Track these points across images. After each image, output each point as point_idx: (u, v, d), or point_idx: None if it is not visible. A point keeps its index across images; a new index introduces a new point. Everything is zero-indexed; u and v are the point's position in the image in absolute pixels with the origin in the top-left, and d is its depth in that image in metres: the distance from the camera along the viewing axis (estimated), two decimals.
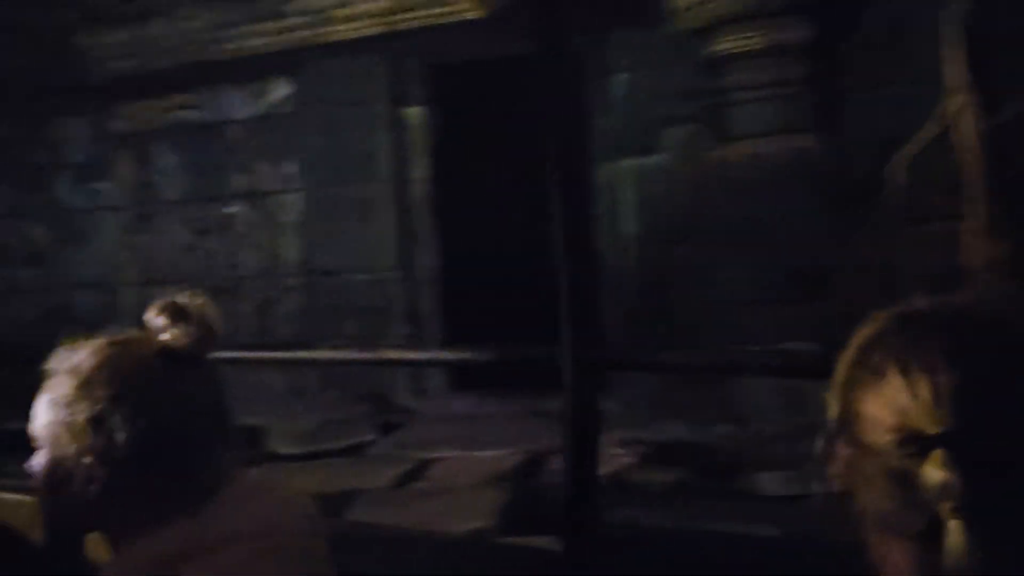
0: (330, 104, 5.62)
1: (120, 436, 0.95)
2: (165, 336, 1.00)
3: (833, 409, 0.72)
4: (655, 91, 4.37)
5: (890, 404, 0.65)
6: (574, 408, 1.62)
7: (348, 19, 5.19)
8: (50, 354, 1.03)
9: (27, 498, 1.52)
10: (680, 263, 4.43)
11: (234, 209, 5.95)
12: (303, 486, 3.89)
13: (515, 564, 2.00)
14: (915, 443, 0.63)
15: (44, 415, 1.01)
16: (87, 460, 0.96)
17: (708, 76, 3.95)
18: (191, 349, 1.00)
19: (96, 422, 0.96)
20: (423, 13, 5.07)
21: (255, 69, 5.73)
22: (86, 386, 0.97)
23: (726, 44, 3.71)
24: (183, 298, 1.04)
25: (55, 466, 0.99)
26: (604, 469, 2.08)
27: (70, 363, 1.00)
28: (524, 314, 4.20)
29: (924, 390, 0.63)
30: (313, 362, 3.47)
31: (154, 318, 1.02)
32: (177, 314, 1.01)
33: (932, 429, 0.62)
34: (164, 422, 0.97)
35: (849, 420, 0.70)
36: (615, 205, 4.90)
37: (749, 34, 3.60)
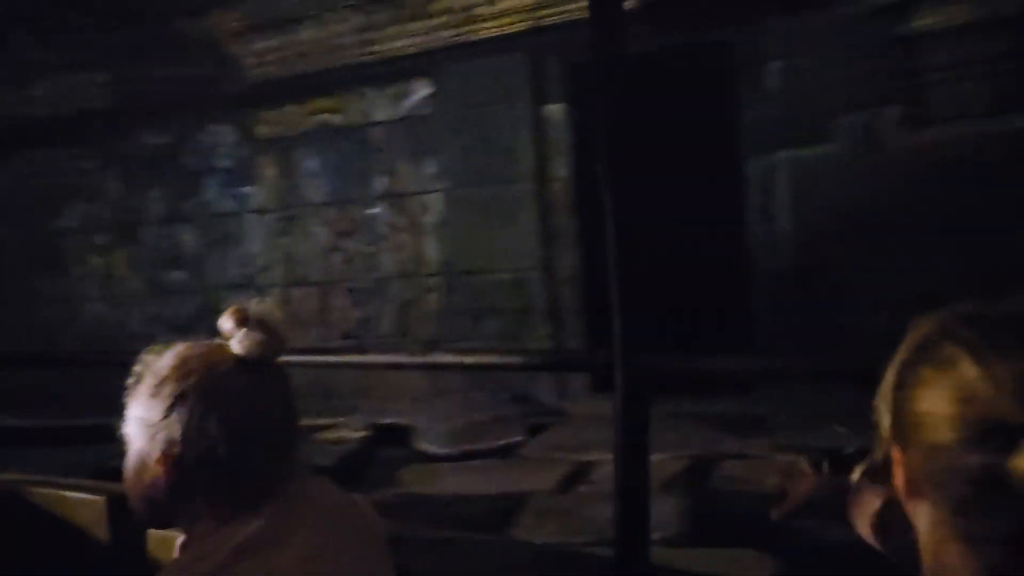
0: (470, 104, 5.60)
1: (189, 436, 1.00)
2: (235, 342, 1.03)
3: (884, 416, 0.71)
4: (821, 78, 4.15)
5: (962, 397, 0.62)
6: (624, 416, 1.53)
7: (493, 17, 5.16)
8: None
9: (93, 497, 1.57)
10: (847, 261, 4.19)
11: (375, 210, 6.01)
12: (460, 487, 3.86)
13: None
14: (1000, 435, 0.58)
15: (129, 414, 1.06)
16: (159, 458, 1.01)
17: (898, 56, 3.68)
18: (259, 355, 1.03)
19: (167, 422, 1.01)
20: (568, 7, 4.99)
21: (397, 71, 5.78)
22: (161, 387, 1.03)
23: (926, 20, 3.44)
24: (253, 305, 1.07)
25: (135, 463, 1.04)
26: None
27: (153, 366, 1.06)
28: (669, 313, 4.07)
29: (1007, 378, 0.60)
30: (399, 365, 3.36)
31: (225, 324, 1.06)
32: (246, 321, 1.04)
33: (1019, 418, 0.58)
34: (231, 423, 1.00)
35: (905, 424, 0.68)
36: (768, 200, 4.70)
37: (952, 8, 3.31)
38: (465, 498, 3.53)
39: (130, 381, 1.07)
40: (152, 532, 1.54)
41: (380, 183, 5.99)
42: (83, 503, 1.61)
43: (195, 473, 1.00)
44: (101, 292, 7.14)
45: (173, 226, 6.80)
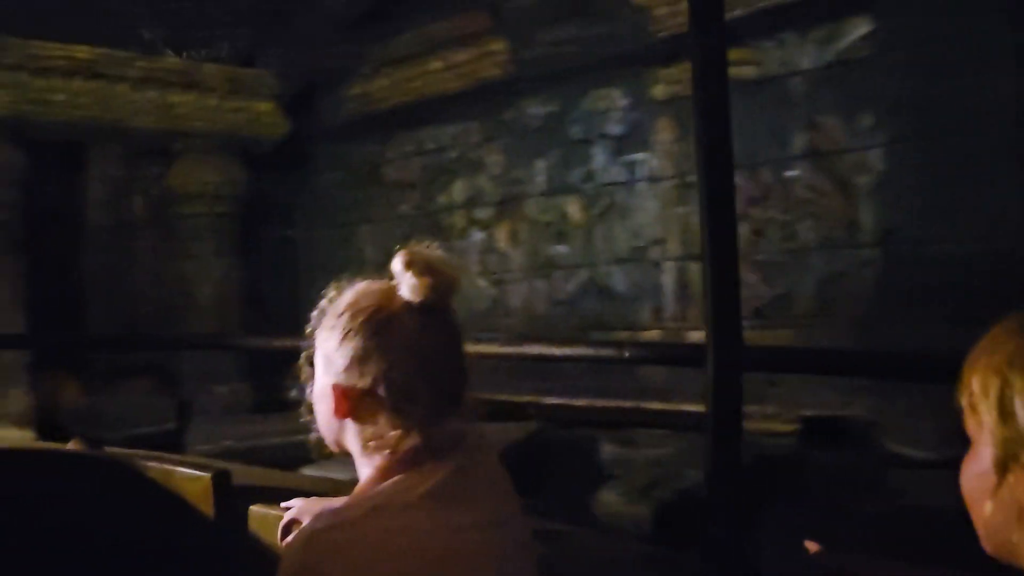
0: (924, 41, 4.67)
1: (353, 368, 1.03)
2: (403, 285, 1.04)
3: (992, 421, 0.73)
4: None
5: None
6: (715, 412, 1.42)
7: None
8: None
9: (199, 473, 1.58)
10: None
11: (793, 172, 5.27)
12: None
13: None
14: None
15: (315, 346, 1.10)
16: (332, 386, 1.05)
17: None
18: (424, 299, 1.03)
19: (339, 353, 1.05)
20: None
21: (823, 11, 4.99)
22: (336, 321, 1.07)
23: None
24: (427, 251, 1.07)
25: (317, 390, 1.09)
26: None
27: (334, 301, 1.09)
28: None
29: None
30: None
31: (395, 267, 1.06)
32: (417, 265, 1.04)
33: None
34: (393, 361, 1.02)
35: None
36: None
37: None
38: None
39: (314, 315, 1.10)
40: (254, 509, 1.54)
41: (800, 141, 5.24)
42: (190, 478, 1.63)
43: (362, 405, 1.02)
44: (482, 267, 7.08)
45: (557, 198, 6.53)
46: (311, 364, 1.11)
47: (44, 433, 5.94)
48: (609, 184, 6.20)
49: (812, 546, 1.24)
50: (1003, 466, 0.74)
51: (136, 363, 7.10)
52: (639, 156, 6.02)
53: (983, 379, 0.75)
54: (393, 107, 7.18)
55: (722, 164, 1.59)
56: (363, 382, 1.03)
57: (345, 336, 1.04)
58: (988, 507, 0.76)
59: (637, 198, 6.04)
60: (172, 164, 6.85)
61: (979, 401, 0.75)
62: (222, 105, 6.48)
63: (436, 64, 6.64)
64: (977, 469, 0.77)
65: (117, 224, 7.49)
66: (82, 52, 5.66)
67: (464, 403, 1.08)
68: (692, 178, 5.71)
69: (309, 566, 0.91)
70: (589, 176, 6.33)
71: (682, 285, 5.76)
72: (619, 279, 6.11)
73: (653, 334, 5.88)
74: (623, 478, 3.55)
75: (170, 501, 1.64)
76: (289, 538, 1.06)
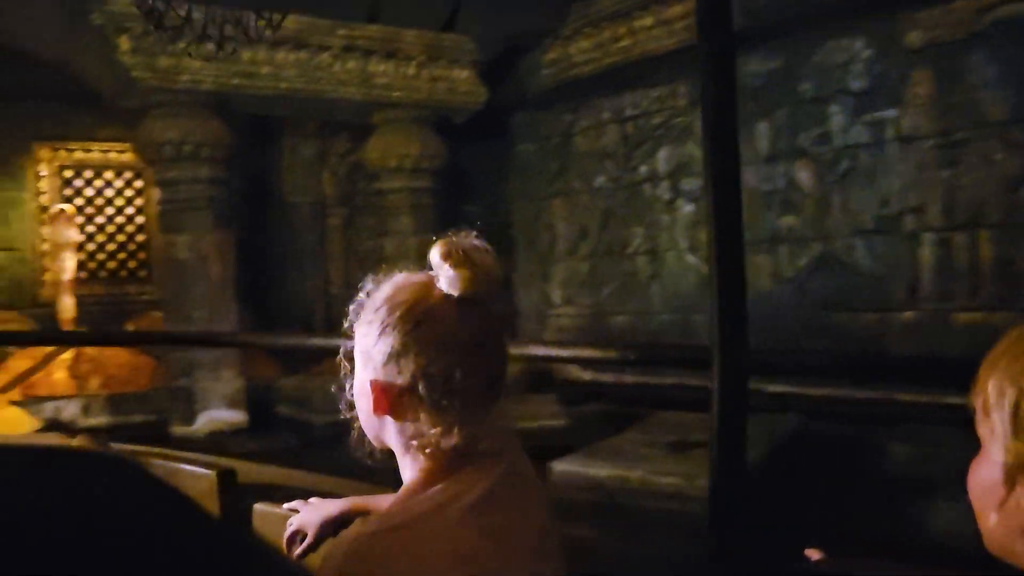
0: None
1: (390, 365, 0.98)
2: (441, 278, 1.00)
3: (1005, 432, 0.71)
4: None
5: None
6: (722, 408, 1.44)
7: None
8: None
9: (203, 471, 1.61)
10: None
11: None
12: None
13: None
14: None
15: (356, 340, 1.05)
16: (372, 382, 1.00)
17: None
18: (463, 291, 0.99)
19: (377, 349, 1.00)
20: None
21: None
22: (375, 315, 1.02)
23: None
24: (465, 241, 1.01)
25: (357, 385, 1.05)
26: None
27: (373, 294, 1.04)
28: None
29: None
30: None
31: (433, 258, 1.01)
32: (455, 257, 1.00)
33: None
34: (431, 358, 0.97)
35: None
36: None
37: None
38: None
39: (352, 308, 1.06)
40: (257, 507, 1.52)
41: None
42: (194, 476, 1.62)
43: (402, 402, 0.99)
44: (691, 242, 6.53)
45: (782, 164, 5.88)
46: (350, 360, 1.07)
47: (255, 416, 5.87)
48: (849, 146, 5.50)
49: (814, 553, 1.18)
50: (1012, 478, 0.73)
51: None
52: (887, 113, 5.29)
53: (999, 386, 0.73)
54: (593, 71, 6.70)
55: (729, 176, 1.51)
56: (402, 378, 0.99)
57: (383, 331, 1.00)
58: (994, 518, 0.75)
59: (886, 161, 5.31)
60: (365, 138, 6.66)
61: (993, 408, 0.74)
62: (421, 73, 6.18)
63: (646, 21, 6.10)
64: (986, 475, 0.75)
65: (310, 202, 7.40)
66: (288, 21, 5.46)
67: (505, 398, 1.04)
68: (959, 136, 4.95)
69: (351, 573, 0.90)
70: (823, 138, 5.64)
71: (944, 259, 5.02)
72: (863, 253, 5.42)
73: (908, 315, 5.17)
74: (947, 487, 2.96)
75: (174, 499, 1.48)
76: (300, 548, 1.13)
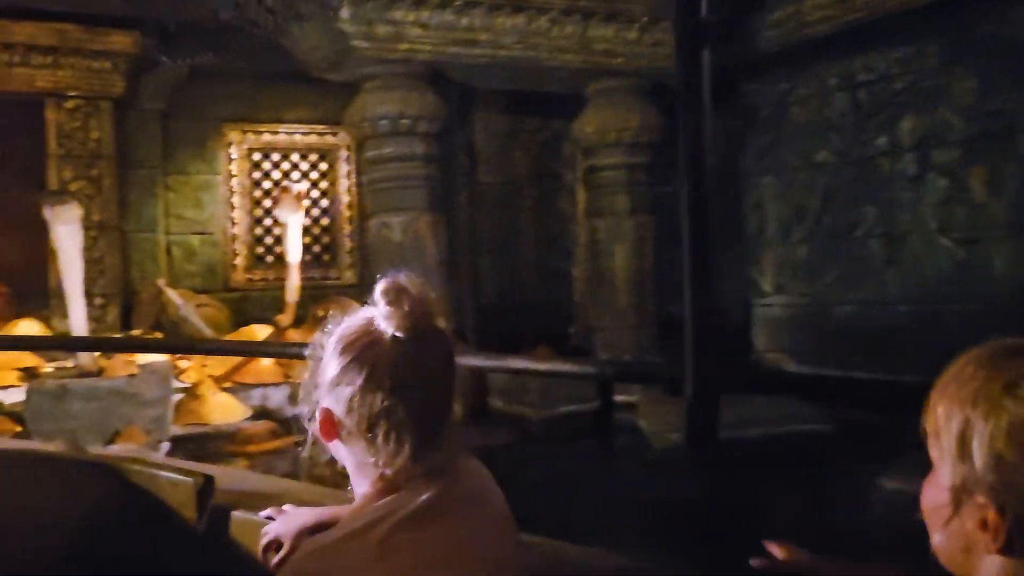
0: None
1: (341, 400, 1.04)
2: (380, 318, 1.05)
3: (951, 456, 0.74)
4: None
5: None
6: (692, 425, 1.48)
7: None
8: None
9: (182, 478, 1.60)
10: None
11: None
12: None
13: None
14: None
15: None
16: (323, 412, 1.06)
17: None
18: (402, 330, 1.03)
19: (329, 384, 1.06)
20: None
21: None
22: (327, 345, 1.08)
23: None
24: (405, 280, 1.06)
25: (320, 411, 1.09)
26: None
27: (333, 327, 1.10)
28: None
29: None
30: None
31: (376, 296, 1.06)
32: (391, 296, 1.05)
33: None
34: (369, 395, 1.02)
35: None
36: None
37: None
38: None
39: (320, 336, 1.11)
40: (236, 515, 1.55)
41: None
42: (172, 483, 1.62)
43: (345, 430, 1.04)
44: (942, 223, 5.77)
45: None
46: (315, 382, 1.10)
47: (468, 408, 5.53)
48: None
49: (777, 549, 1.17)
50: (958, 500, 0.75)
51: (529, 334, 6.58)
52: None
53: (948, 411, 0.75)
54: (827, 30, 6.00)
55: (702, 205, 1.54)
56: (341, 408, 1.04)
57: (331, 362, 1.05)
58: (938, 537, 0.77)
59: None
60: (557, 115, 6.22)
61: (941, 432, 0.76)
62: (643, 38, 5.65)
63: None
64: (935, 495, 0.77)
65: (501, 181, 7.02)
66: None
67: (450, 428, 1.08)
68: None
69: None
70: None
71: None
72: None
73: None
74: None
75: (153, 506, 1.65)
76: (277, 558, 1.16)
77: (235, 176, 7.99)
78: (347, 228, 8.29)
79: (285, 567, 1.08)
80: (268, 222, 8.12)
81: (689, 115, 1.55)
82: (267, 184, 8.10)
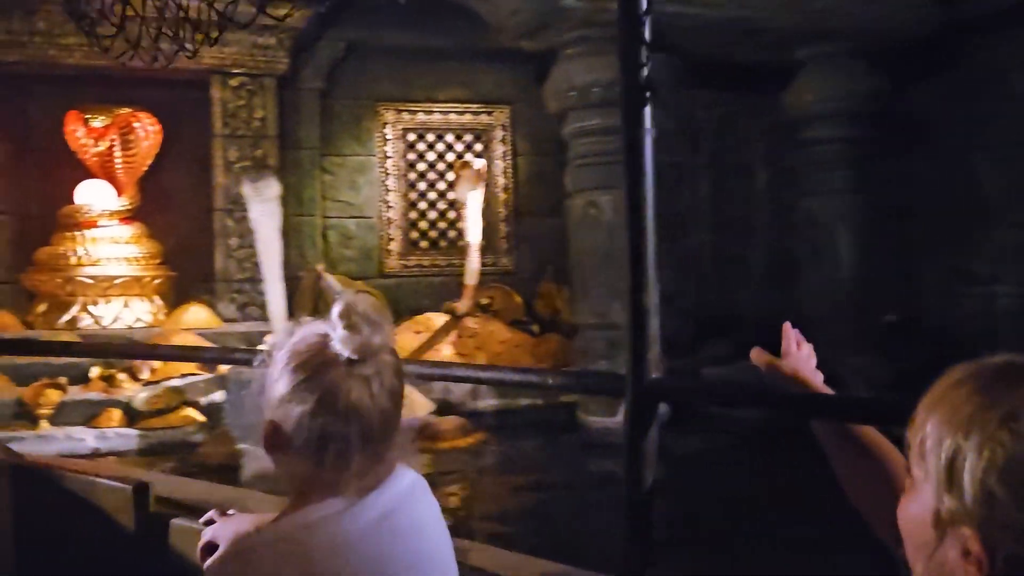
0: None
1: (282, 416, 1.05)
2: (334, 339, 1.06)
3: (939, 482, 0.71)
4: None
5: None
6: (631, 436, 1.45)
7: None
8: None
9: (119, 484, 1.63)
10: None
11: None
12: None
13: None
14: None
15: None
16: (267, 424, 1.07)
17: None
18: (357, 354, 1.05)
19: (271, 391, 1.06)
20: None
21: None
22: (278, 359, 1.07)
23: None
24: (363, 302, 1.09)
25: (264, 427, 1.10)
26: None
27: (283, 341, 1.10)
28: None
29: None
30: None
31: (333, 315, 1.08)
32: (347, 317, 1.06)
33: None
34: (312, 413, 1.03)
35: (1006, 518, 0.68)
36: None
37: None
38: None
39: (267, 348, 1.12)
40: (175, 522, 1.57)
41: None
42: (109, 490, 1.64)
43: (285, 443, 1.05)
44: None
45: None
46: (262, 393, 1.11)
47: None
48: None
49: (760, 355, 1.23)
50: (942, 530, 0.72)
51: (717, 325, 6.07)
52: None
53: (937, 433, 0.72)
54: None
55: (641, 212, 1.44)
56: (290, 425, 1.04)
57: (283, 377, 1.05)
58: (920, 567, 0.75)
59: None
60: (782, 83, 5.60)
61: (930, 453, 0.72)
62: None
63: None
64: (916, 513, 0.75)
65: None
66: None
67: (391, 449, 1.08)
68: None
69: None
70: None
71: None
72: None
73: None
74: None
75: (90, 513, 1.65)
76: (208, 562, 1.14)
77: (390, 157, 7.68)
78: (503, 212, 7.89)
79: (209, 563, 1.10)
80: (423, 205, 7.79)
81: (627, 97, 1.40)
82: (421, 166, 7.78)
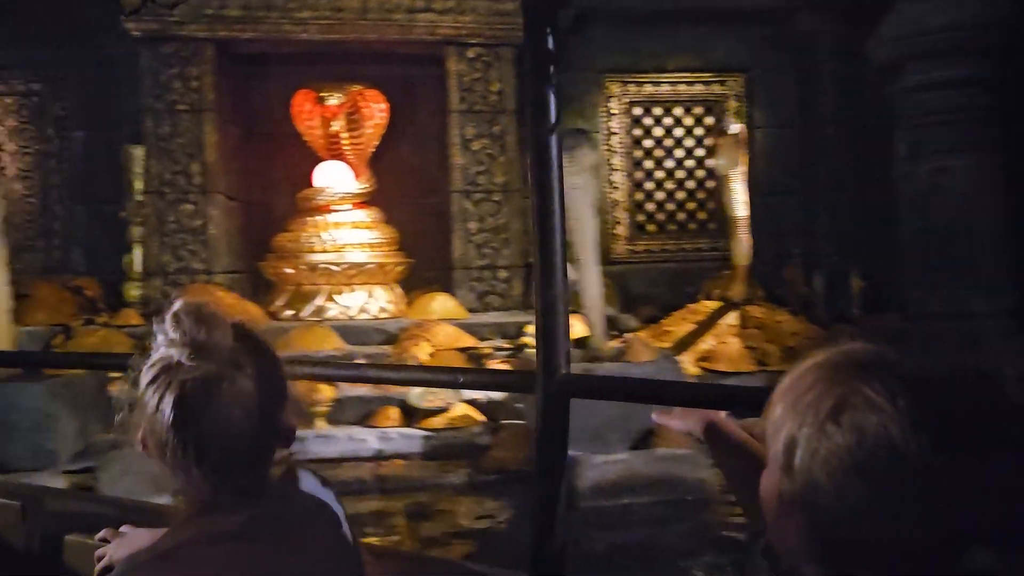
0: None
1: (140, 415, 1.02)
2: (167, 343, 1.02)
3: (779, 464, 0.74)
4: None
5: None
6: (543, 433, 1.45)
7: None
8: None
9: (6, 501, 1.61)
10: None
11: None
12: None
13: None
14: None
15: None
16: (140, 435, 1.04)
17: None
18: (189, 359, 1.00)
19: (140, 407, 1.03)
20: None
21: None
22: (149, 363, 1.04)
23: None
24: (195, 301, 1.05)
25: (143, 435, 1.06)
26: None
27: (150, 348, 1.07)
28: None
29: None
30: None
31: (167, 323, 1.05)
32: (176, 320, 1.02)
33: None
34: (164, 424, 0.99)
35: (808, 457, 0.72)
36: None
37: None
38: None
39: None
40: (69, 539, 1.54)
41: None
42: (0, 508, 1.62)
43: (151, 449, 1.02)
44: None
45: None
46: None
47: None
48: None
49: (663, 418, 1.30)
50: (784, 506, 0.76)
51: None
52: None
53: (781, 418, 0.75)
54: None
55: (550, 207, 1.42)
56: (144, 429, 1.02)
57: (145, 384, 1.01)
58: (773, 535, 0.79)
59: None
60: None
61: (773, 437, 0.76)
62: None
63: None
64: (768, 487, 0.78)
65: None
66: None
67: (266, 458, 1.04)
68: None
69: None
70: None
71: None
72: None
73: None
74: None
75: None
76: None
77: (615, 133, 7.09)
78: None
79: None
80: (649, 185, 7.17)
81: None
82: (648, 142, 7.15)
